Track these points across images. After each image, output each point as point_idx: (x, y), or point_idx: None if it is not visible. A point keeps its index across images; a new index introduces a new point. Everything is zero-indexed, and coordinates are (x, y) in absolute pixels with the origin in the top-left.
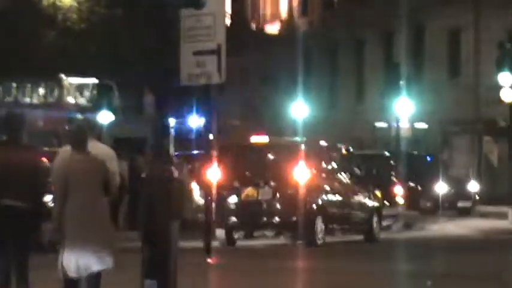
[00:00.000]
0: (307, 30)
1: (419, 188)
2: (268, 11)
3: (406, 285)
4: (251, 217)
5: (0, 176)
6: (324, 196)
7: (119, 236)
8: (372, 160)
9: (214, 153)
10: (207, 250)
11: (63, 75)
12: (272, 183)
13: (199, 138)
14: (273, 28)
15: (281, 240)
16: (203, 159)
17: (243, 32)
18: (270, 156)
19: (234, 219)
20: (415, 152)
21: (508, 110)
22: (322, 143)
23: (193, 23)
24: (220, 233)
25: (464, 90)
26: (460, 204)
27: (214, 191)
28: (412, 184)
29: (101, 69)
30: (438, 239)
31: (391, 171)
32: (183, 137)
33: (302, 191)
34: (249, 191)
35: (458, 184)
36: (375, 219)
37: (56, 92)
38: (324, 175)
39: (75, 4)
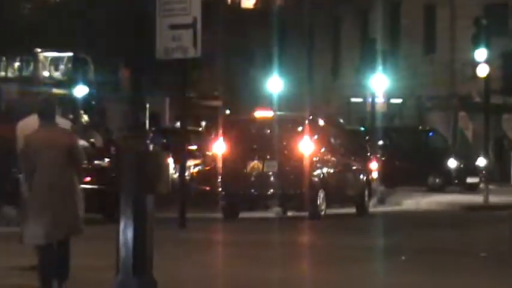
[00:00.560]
0: (283, 5)
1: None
2: None
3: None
4: (256, 189)
5: None
6: (325, 170)
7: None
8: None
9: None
10: (182, 222)
11: (38, 49)
12: (277, 157)
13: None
14: (248, 2)
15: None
16: (179, 133)
17: (218, 7)
18: (275, 130)
19: (238, 191)
20: (420, 127)
21: (483, 86)
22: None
23: None
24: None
25: (440, 66)
26: (469, 180)
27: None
28: (401, 160)
29: (77, 44)
30: (415, 214)
31: (366, 146)
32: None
33: (306, 164)
34: (254, 164)
35: (466, 160)
36: (367, 193)
37: (31, 66)
38: (325, 149)
39: None
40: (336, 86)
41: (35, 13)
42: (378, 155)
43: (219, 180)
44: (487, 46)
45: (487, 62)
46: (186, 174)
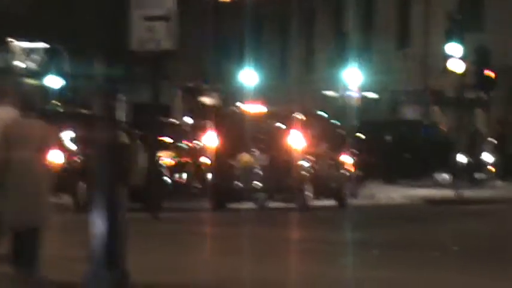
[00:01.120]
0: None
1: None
2: None
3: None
4: (245, 182)
5: None
6: (313, 163)
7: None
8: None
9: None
10: (156, 210)
11: (12, 39)
12: (267, 150)
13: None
14: None
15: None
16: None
17: None
18: (266, 124)
19: (226, 183)
20: (424, 122)
21: (456, 81)
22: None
23: None
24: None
25: (413, 61)
26: (477, 175)
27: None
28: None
29: (54, 35)
30: (388, 207)
31: (341, 140)
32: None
33: (295, 157)
34: (245, 157)
35: (473, 155)
36: (347, 186)
37: (4, 56)
38: (311, 143)
39: None
40: (310, 80)
41: (10, 3)
42: (355, 149)
43: (210, 172)
44: (461, 41)
45: (460, 57)
46: (162, 166)
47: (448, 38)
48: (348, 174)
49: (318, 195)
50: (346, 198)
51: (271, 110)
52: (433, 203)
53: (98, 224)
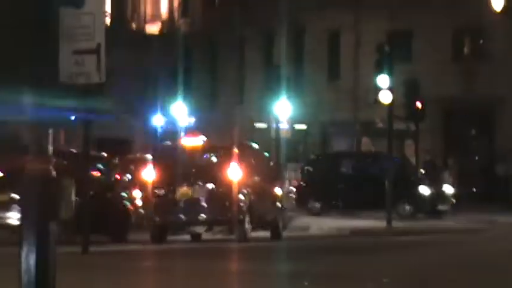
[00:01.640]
0: (188, 31)
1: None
2: (149, 11)
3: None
4: (185, 214)
5: None
6: (252, 195)
7: None
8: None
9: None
10: (85, 248)
11: None
12: (206, 183)
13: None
14: (153, 28)
15: (208, 235)
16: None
17: (122, 32)
18: (204, 157)
19: (166, 216)
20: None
21: (385, 112)
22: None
23: (72, 21)
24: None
25: (343, 92)
26: (440, 207)
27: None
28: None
29: None
30: (321, 239)
31: (273, 172)
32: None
33: (235, 190)
34: (183, 189)
35: (436, 186)
36: (280, 218)
37: None
38: (248, 175)
39: None
40: (241, 111)
41: None
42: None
43: (152, 205)
44: (390, 72)
45: (389, 88)
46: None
47: (378, 69)
48: (280, 206)
49: (254, 226)
50: (281, 230)
51: (207, 143)
52: (360, 234)
53: (28, 259)
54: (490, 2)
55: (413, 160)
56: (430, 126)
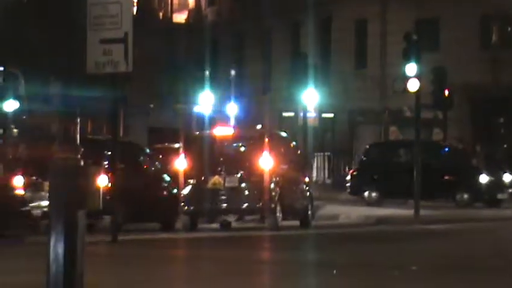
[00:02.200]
0: (214, 20)
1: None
2: (176, 0)
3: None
4: (216, 203)
5: None
6: (282, 184)
7: None
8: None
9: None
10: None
11: None
12: (237, 172)
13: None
14: (180, 17)
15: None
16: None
17: (150, 21)
18: (235, 146)
19: (198, 205)
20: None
21: (412, 101)
22: (283, 133)
23: (100, 11)
24: None
25: (371, 81)
26: (500, 196)
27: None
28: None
29: (7, 58)
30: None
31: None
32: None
33: (266, 179)
34: (215, 179)
35: (496, 174)
36: (310, 206)
37: None
38: (279, 164)
39: None
40: (267, 100)
41: None
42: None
43: (182, 194)
44: (417, 61)
45: (417, 76)
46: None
47: (405, 57)
48: (309, 195)
49: (284, 215)
50: (310, 219)
51: (238, 132)
52: (393, 223)
53: (57, 249)
54: None
55: None
56: (458, 115)
